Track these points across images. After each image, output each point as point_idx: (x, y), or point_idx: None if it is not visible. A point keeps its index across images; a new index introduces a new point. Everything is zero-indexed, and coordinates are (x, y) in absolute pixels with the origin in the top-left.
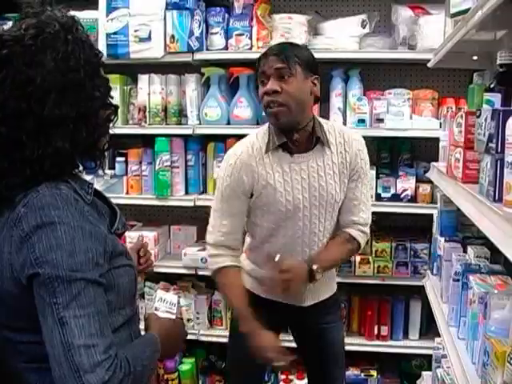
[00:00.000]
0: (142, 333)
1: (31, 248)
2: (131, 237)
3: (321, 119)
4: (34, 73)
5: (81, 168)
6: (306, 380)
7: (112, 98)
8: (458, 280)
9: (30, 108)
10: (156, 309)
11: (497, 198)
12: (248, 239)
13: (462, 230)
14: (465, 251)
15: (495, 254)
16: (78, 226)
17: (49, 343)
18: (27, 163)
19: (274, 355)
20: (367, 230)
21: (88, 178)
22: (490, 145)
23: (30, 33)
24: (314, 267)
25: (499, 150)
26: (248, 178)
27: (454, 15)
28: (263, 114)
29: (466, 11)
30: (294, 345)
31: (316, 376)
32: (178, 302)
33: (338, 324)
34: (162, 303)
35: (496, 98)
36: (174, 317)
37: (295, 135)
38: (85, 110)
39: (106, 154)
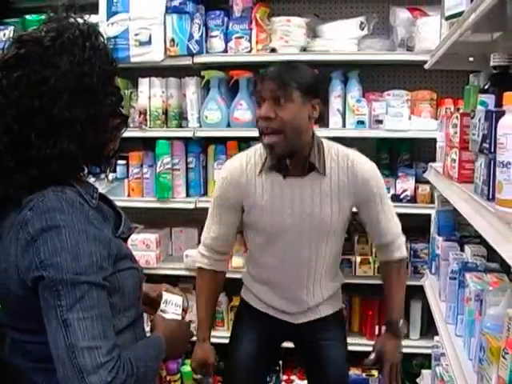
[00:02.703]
0: (148, 334)
1: (36, 251)
2: (133, 239)
3: (325, 141)
4: (49, 73)
5: (85, 172)
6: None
7: (123, 107)
8: (454, 278)
9: (42, 107)
10: (162, 311)
11: (490, 197)
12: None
13: (460, 230)
14: (462, 250)
15: (492, 253)
16: (83, 229)
17: (53, 345)
18: (34, 163)
19: (196, 367)
20: (403, 238)
21: (90, 181)
22: (484, 145)
23: (49, 35)
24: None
25: (492, 150)
26: (235, 193)
27: (448, 18)
28: None
29: (459, 14)
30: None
31: None
32: (183, 304)
33: (338, 344)
34: (168, 305)
35: (490, 100)
36: (179, 318)
37: (287, 161)
38: (94, 115)
39: (112, 161)
